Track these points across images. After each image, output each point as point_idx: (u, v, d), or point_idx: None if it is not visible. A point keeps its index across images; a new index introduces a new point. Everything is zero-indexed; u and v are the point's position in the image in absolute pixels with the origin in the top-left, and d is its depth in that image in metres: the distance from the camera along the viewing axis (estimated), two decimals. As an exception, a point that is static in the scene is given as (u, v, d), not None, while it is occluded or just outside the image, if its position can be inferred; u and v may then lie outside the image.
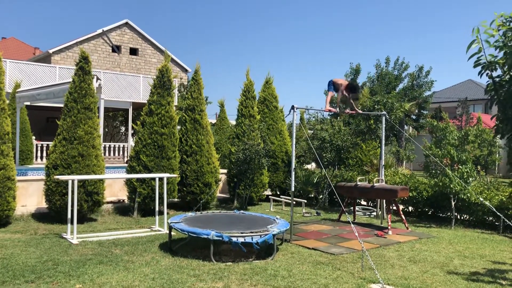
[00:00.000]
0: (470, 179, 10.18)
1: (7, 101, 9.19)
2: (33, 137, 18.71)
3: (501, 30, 4.74)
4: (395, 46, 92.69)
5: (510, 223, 9.06)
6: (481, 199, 9.60)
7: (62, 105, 9.95)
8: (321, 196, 13.34)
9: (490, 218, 9.99)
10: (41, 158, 19.12)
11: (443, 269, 6.54)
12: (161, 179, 9.68)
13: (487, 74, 4.62)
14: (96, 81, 10.72)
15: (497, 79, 4.82)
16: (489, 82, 4.72)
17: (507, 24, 4.77)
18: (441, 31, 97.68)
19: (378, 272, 6.10)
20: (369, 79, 31.41)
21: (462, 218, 10.64)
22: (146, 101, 11.27)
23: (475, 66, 4.56)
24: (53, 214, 9.52)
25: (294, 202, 10.02)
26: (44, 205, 9.97)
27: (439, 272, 6.35)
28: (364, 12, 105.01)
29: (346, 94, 9.39)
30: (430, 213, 11.25)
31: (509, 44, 4.63)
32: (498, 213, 9.16)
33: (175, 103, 19.66)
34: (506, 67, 4.62)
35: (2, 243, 7.44)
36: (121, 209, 10.95)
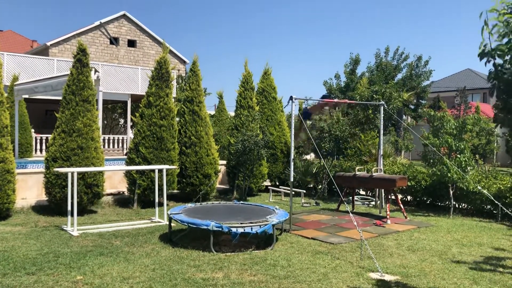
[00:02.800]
0: (468, 168, 10.21)
1: (5, 94, 9.17)
2: (32, 130, 18.69)
3: (505, 17, 4.69)
4: (394, 35, 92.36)
5: (508, 211, 9.12)
6: (479, 187, 9.65)
7: (60, 98, 9.94)
8: (320, 187, 13.39)
9: (488, 207, 10.04)
10: (41, 151, 19.12)
11: (441, 257, 6.59)
12: (160, 170, 9.70)
13: (489, 61, 4.58)
14: (94, 74, 10.70)
15: (500, 68, 4.80)
16: (491, 69, 4.69)
17: (509, 11, 4.73)
18: (440, 19, 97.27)
19: (377, 261, 6.15)
20: (368, 69, 31.34)
21: (460, 206, 10.70)
22: (144, 93, 11.26)
23: (481, 58, 4.51)
24: (53, 207, 9.55)
25: (293, 193, 10.06)
26: (44, 197, 10.00)
27: (438, 261, 6.40)
28: (364, 1, 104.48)
29: None
30: (428, 202, 11.30)
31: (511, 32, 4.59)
32: (496, 202, 9.21)
33: (174, 94, 19.63)
34: (509, 56, 4.58)
35: (3, 235, 7.48)
36: (121, 200, 10.99)
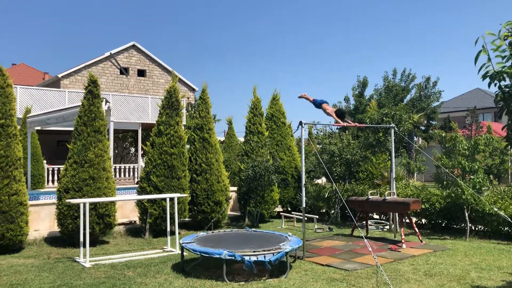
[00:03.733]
0: (483, 188, 10.06)
1: (18, 127, 9.30)
2: (44, 161, 18.87)
3: (508, 40, 4.71)
4: (401, 57, 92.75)
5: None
6: (496, 209, 9.48)
7: (72, 129, 10.05)
8: (332, 211, 13.24)
9: (506, 228, 9.83)
10: (53, 182, 19.26)
11: (460, 282, 6.43)
12: (171, 199, 9.69)
13: (495, 84, 4.58)
14: (105, 104, 10.84)
15: (506, 89, 4.79)
16: (497, 92, 4.68)
17: None
18: (447, 39, 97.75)
19: (393, 287, 6.01)
20: (376, 91, 31.42)
21: (476, 229, 10.49)
22: (155, 122, 11.36)
23: (484, 79, 4.52)
24: (66, 238, 9.54)
25: (306, 218, 9.96)
26: (56, 229, 10.00)
27: (456, 286, 6.24)
28: (372, 24, 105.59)
29: (338, 120, 9.67)
30: (443, 224, 11.10)
31: None
32: (513, 223, 9.02)
33: (184, 122, 19.79)
34: None
35: (16, 268, 7.47)
36: (133, 230, 10.95)
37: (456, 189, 9.93)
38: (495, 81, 4.55)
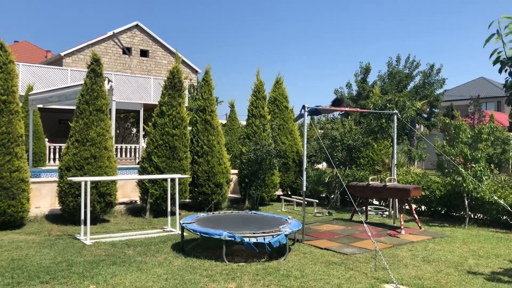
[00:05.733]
0: (484, 177, 10.06)
1: (20, 104, 9.28)
2: (46, 139, 18.89)
3: None
4: (405, 44, 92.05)
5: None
6: (495, 197, 9.50)
7: (74, 107, 10.03)
8: (332, 196, 13.29)
9: (505, 217, 9.87)
10: (54, 160, 19.32)
11: (457, 268, 6.47)
12: (172, 179, 9.71)
13: (505, 70, 4.53)
14: (108, 83, 10.79)
15: None
16: (507, 78, 4.63)
17: None
18: (452, 28, 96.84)
19: (391, 272, 6.06)
20: (379, 78, 31.24)
21: (476, 217, 10.53)
22: (157, 103, 11.34)
23: (494, 63, 4.46)
24: (66, 216, 9.60)
25: (306, 202, 10.00)
26: (57, 206, 10.06)
27: (454, 272, 6.29)
28: (375, 10, 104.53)
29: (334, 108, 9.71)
30: (443, 212, 11.14)
31: None
32: (512, 212, 9.05)
33: (186, 104, 19.76)
34: None
35: (17, 244, 7.53)
36: (133, 210, 11.01)
37: (457, 176, 9.94)
38: (506, 67, 4.50)
